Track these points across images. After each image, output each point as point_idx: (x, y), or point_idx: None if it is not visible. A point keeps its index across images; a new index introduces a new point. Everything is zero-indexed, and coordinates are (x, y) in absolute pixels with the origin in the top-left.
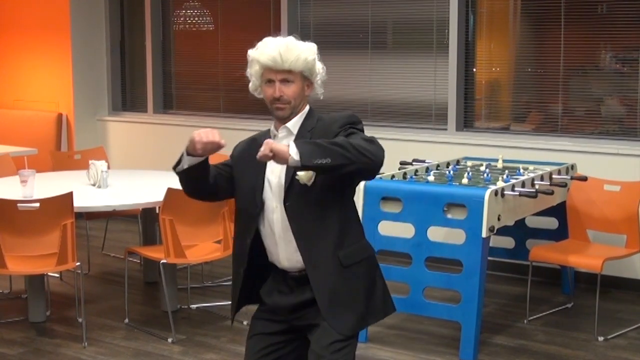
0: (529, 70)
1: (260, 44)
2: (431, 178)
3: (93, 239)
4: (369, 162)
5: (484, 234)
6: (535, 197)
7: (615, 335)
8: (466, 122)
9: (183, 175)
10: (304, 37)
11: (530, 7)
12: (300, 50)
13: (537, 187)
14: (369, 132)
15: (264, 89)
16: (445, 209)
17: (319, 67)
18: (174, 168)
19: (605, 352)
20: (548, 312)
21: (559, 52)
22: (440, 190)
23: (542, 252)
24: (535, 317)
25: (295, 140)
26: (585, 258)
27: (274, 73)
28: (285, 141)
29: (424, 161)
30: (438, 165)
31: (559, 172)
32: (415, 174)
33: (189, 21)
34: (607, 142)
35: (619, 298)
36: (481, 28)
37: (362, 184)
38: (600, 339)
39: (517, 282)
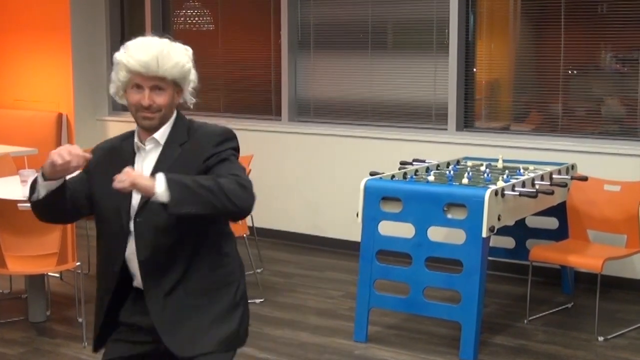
0: (528, 70)
1: (130, 46)
2: (431, 178)
3: (93, 239)
4: (235, 210)
5: (484, 234)
6: (536, 197)
7: (616, 335)
8: (466, 122)
9: (39, 205)
10: (304, 36)
11: (530, 7)
12: (178, 56)
13: (537, 187)
14: (368, 131)
15: (129, 93)
16: (445, 209)
17: (194, 73)
18: (30, 199)
19: (605, 352)
20: (548, 312)
21: (559, 52)
22: (440, 190)
23: (542, 252)
24: (535, 317)
25: (166, 175)
26: (586, 258)
27: (145, 79)
28: (153, 153)
29: (424, 161)
30: (438, 165)
31: (559, 172)
32: (416, 174)
33: (189, 21)
34: (607, 142)
35: (619, 298)
36: (481, 28)
37: (362, 183)
38: (601, 339)
39: (517, 282)
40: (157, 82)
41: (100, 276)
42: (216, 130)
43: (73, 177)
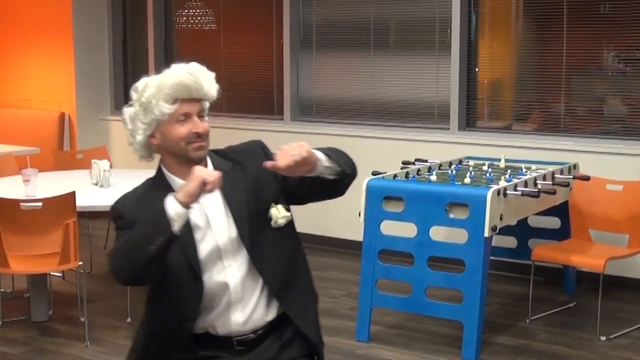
0: (529, 69)
1: (164, 75)
2: (433, 177)
3: (95, 238)
4: (356, 172)
5: (486, 234)
6: (538, 196)
7: (618, 335)
8: (468, 122)
9: (165, 248)
10: (306, 36)
11: (532, 6)
12: (210, 74)
13: (539, 186)
14: (371, 131)
15: (174, 128)
16: (447, 208)
17: None
18: (167, 234)
19: (608, 352)
20: (550, 312)
21: (562, 51)
22: (442, 190)
23: (544, 252)
24: (537, 316)
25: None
26: (588, 258)
27: (193, 104)
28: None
29: (426, 161)
30: (440, 165)
31: (562, 172)
32: (418, 174)
33: (192, 21)
34: (610, 142)
35: (622, 298)
36: (483, 27)
37: (364, 183)
38: (603, 338)
39: (520, 282)
40: (201, 105)
41: (161, 341)
42: (249, 144)
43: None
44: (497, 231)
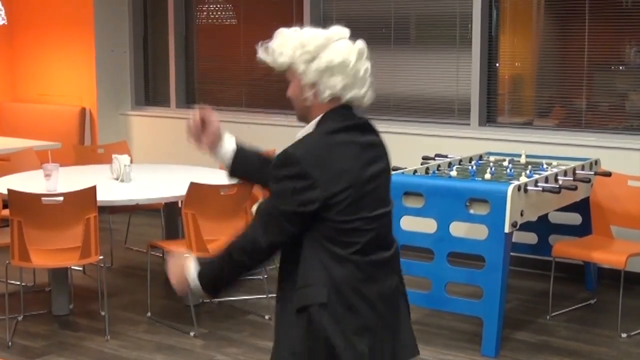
0: (552, 65)
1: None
2: (454, 173)
3: (116, 232)
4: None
5: (506, 230)
6: (559, 192)
7: (639, 331)
8: (489, 117)
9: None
10: None
11: (553, 1)
12: (281, 41)
13: (560, 182)
14: (391, 126)
15: None
16: (467, 204)
17: (305, 59)
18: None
19: (629, 349)
20: (571, 308)
21: (583, 46)
22: (462, 186)
23: (565, 248)
24: (558, 313)
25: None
26: (609, 254)
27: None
28: None
29: (446, 156)
30: (461, 160)
31: (583, 168)
32: (438, 169)
33: (212, 16)
34: (632, 138)
35: None
36: (504, 22)
37: None
38: (624, 335)
39: (540, 278)
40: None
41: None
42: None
43: None
44: (518, 227)
